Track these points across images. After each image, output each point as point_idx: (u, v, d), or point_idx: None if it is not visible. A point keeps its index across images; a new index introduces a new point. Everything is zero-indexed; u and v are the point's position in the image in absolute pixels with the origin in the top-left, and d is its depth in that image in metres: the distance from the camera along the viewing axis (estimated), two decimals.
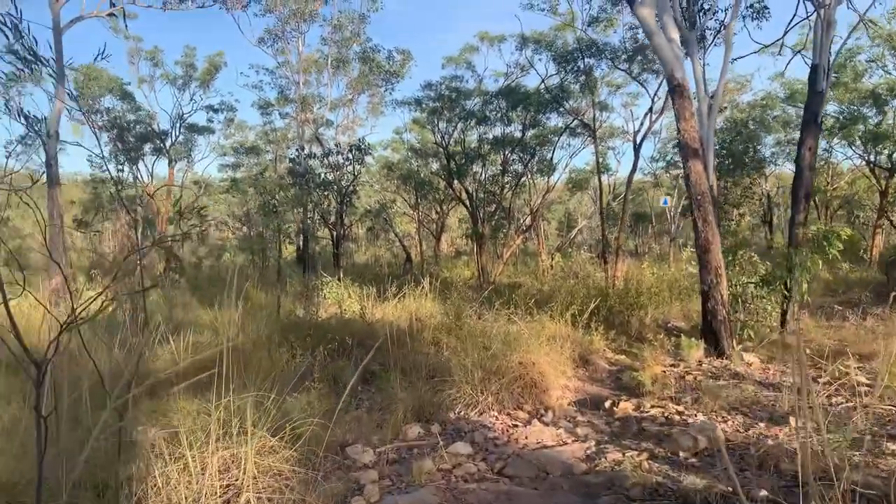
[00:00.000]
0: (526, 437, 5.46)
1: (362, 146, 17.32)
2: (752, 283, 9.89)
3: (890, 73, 20.13)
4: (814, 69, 11.16)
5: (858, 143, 21.99)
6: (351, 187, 17.57)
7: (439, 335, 9.69)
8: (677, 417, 5.98)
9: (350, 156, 17.21)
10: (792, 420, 5.61)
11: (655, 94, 16.65)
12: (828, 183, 26.18)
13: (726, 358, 8.87)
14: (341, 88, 23.26)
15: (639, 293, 12.36)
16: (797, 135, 24.76)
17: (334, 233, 17.79)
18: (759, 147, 19.91)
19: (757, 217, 29.87)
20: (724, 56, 10.02)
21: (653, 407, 6.53)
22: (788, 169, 26.75)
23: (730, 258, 10.39)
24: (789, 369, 8.38)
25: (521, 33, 18.82)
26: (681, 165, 25.02)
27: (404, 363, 7.88)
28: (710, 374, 8.17)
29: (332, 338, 9.39)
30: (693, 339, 9.03)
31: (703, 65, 11.04)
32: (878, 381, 6.75)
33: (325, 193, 17.25)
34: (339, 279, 15.90)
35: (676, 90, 8.94)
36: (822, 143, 26.23)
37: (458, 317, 10.35)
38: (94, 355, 6.51)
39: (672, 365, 8.91)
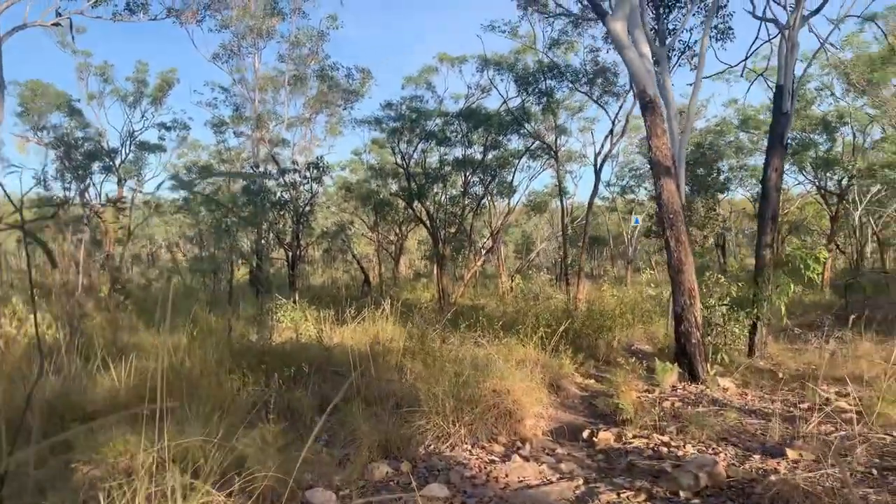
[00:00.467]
0: (506, 475, 4.88)
1: (320, 165, 16.68)
2: (724, 305, 9.53)
3: (839, 101, 20.43)
4: (779, 91, 11.01)
5: (809, 168, 22.23)
6: (308, 207, 16.86)
7: (403, 360, 9.11)
8: (665, 450, 5.48)
9: (308, 174, 16.54)
10: (790, 452, 5.15)
11: (616, 117, 16.48)
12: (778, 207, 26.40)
13: (701, 383, 8.47)
14: (298, 107, 22.61)
15: (604, 315, 11.94)
16: (749, 160, 25.13)
17: (290, 254, 17.03)
18: (721, 169, 19.88)
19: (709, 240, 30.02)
20: (696, 72, 9.76)
21: (635, 437, 6.03)
22: (740, 194, 27.00)
23: (697, 280, 10.05)
24: (768, 395, 8.00)
25: (482, 54, 18.53)
26: (635, 190, 24.77)
27: (367, 392, 7.26)
28: (687, 400, 7.74)
29: (288, 364, 8.76)
30: (666, 363, 8.60)
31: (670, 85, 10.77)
32: (864, 407, 6.40)
33: (281, 213, 16.52)
34: (294, 302, 15.16)
35: (648, 106, 8.59)
36: None
37: (422, 341, 9.79)
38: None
39: (646, 390, 8.46)
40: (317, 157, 17.22)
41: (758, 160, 25.56)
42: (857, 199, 23.07)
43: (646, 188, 28.53)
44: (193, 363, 7.50)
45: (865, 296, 15.66)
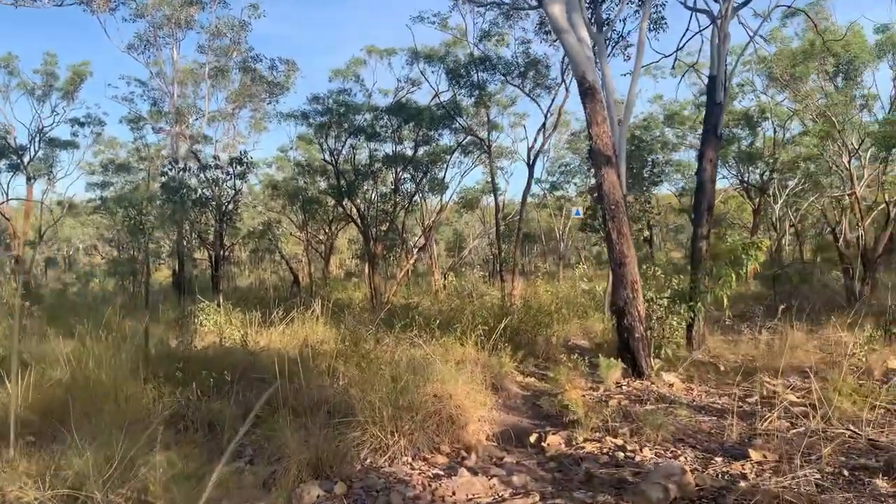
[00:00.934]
0: (454, 494, 4.32)
1: (244, 160, 15.74)
2: (666, 298, 9.24)
3: (759, 97, 20.76)
4: (712, 81, 10.84)
5: (732, 162, 22.54)
6: (231, 205, 15.91)
7: (336, 364, 8.47)
8: (621, 455, 5.04)
9: (230, 170, 15.58)
10: (752, 453, 4.78)
11: (548, 110, 16.17)
12: None
13: (646, 379, 8.14)
14: (221, 102, 21.52)
15: (540, 311, 11.54)
16: (674, 156, 25.39)
17: (213, 254, 16.03)
18: (656, 162, 19.88)
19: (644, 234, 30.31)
20: (636, 58, 9.44)
21: (586, 441, 5.58)
22: (666, 189, 27.25)
23: None
24: (714, 390, 7.72)
25: (412, 47, 17.94)
26: (564, 187, 24.43)
27: (296, 400, 6.58)
28: (634, 397, 7.38)
29: (210, 371, 8.02)
30: (610, 359, 8.22)
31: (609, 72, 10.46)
32: (815, 400, 6.13)
33: (203, 211, 15.51)
34: (218, 304, 14.24)
35: (588, 92, 8.20)
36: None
37: (355, 343, 9.16)
38: None
39: (590, 388, 8.06)
40: (240, 152, 16.27)
41: (682, 156, 25.93)
42: (776, 192, 23.55)
43: (575, 184, 28.56)
44: (104, 373, 6.70)
45: (792, 286, 15.85)
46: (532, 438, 5.90)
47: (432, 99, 18.22)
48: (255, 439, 5.99)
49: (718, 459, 4.83)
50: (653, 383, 7.97)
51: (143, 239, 13.30)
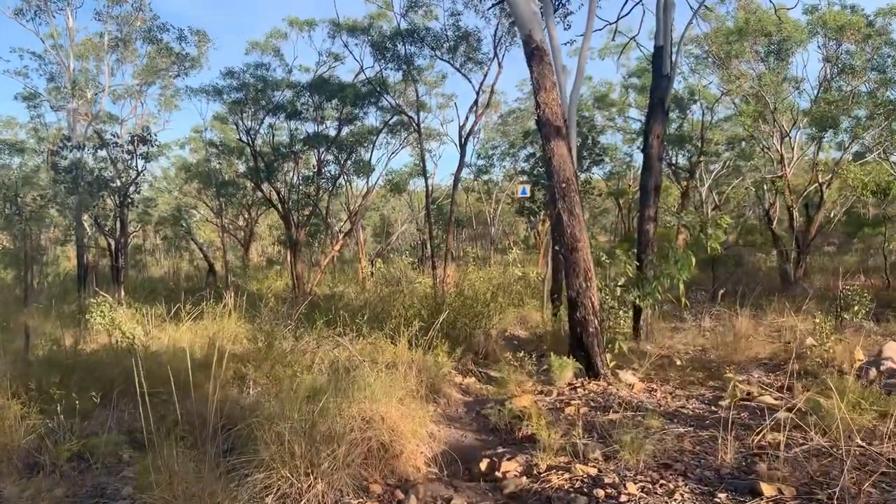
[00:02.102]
0: None
1: (148, 138, 13.88)
2: (618, 285, 8.22)
3: (687, 79, 20.18)
4: (657, 52, 9.91)
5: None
6: (133, 187, 14.04)
7: (245, 368, 7.12)
8: (602, 494, 3.89)
9: (132, 149, 13.71)
10: (765, 487, 3.72)
11: (480, 87, 14.97)
12: (629, 186, 26.33)
13: (602, 379, 7.08)
14: (127, 77, 19.34)
15: (478, 301, 10.33)
16: (602, 139, 24.68)
17: (111, 241, 14.14)
18: (597, 140, 18.97)
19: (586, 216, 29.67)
20: (587, 20, 8.30)
21: (550, 469, 4.42)
22: (595, 173, 26.59)
23: None
24: (680, 391, 6.72)
25: (333, 19, 16.34)
26: (490, 171, 23.09)
27: (188, 423, 5.18)
28: (594, 403, 6.29)
29: (97, 380, 6.62)
30: (563, 357, 7.13)
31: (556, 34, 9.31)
32: (790, 400, 5.17)
33: (101, 194, 13.60)
34: (119, 298, 12.48)
35: (535, 54, 7.03)
36: (624, 148, 26.40)
37: (269, 344, 7.78)
38: None
39: (541, 392, 6.95)
40: (142, 129, 14.36)
41: (608, 139, 25.31)
42: (702, 175, 23.20)
43: (504, 167, 27.59)
44: None
45: (727, 270, 15.31)
46: (483, 465, 4.72)
47: (357, 75, 16.75)
48: (141, 470, 4.59)
49: (723, 496, 3.75)
50: (610, 384, 6.92)
51: (21, 227, 11.34)
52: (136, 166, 13.88)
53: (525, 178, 18.85)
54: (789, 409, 5.25)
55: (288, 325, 8.82)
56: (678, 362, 8.02)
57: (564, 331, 9.70)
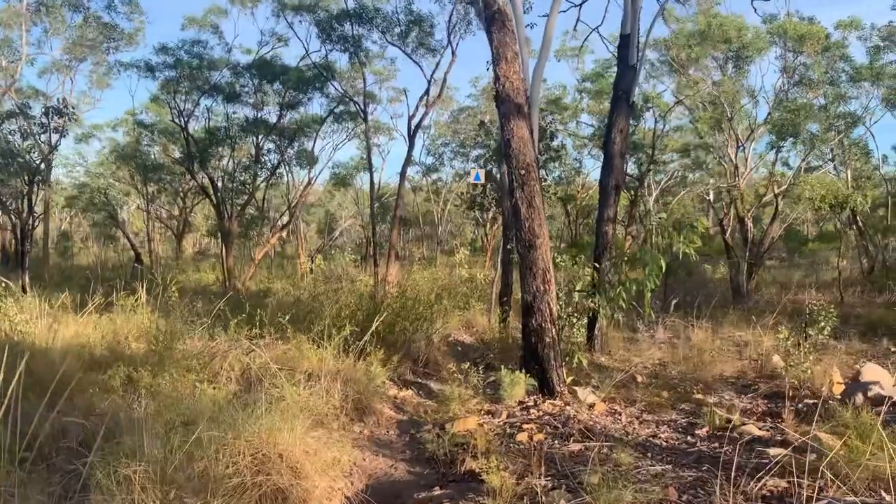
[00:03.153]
0: None
1: (64, 110, 12.24)
2: (578, 291, 7.17)
3: (642, 86, 19.50)
4: (624, 41, 8.97)
5: None
6: (42, 164, 12.37)
7: (140, 372, 5.77)
8: None
9: (44, 122, 12.05)
10: None
11: (432, 77, 13.84)
12: (577, 192, 25.63)
13: (558, 397, 5.98)
14: (55, 50, 17.54)
15: (420, 303, 9.15)
16: (554, 143, 23.86)
17: (16, 222, 12.43)
18: (555, 135, 18.02)
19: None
20: None
21: None
22: (543, 176, 25.82)
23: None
24: (648, 416, 5.66)
25: None
26: (440, 169, 21.80)
27: (53, 442, 3.88)
28: (551, 428, 5.18)
29: None
30: (515, 371, 6.01)
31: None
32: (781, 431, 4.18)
33: (9, 169, 11.91)
34: (23, 284, 10.88)
35: (496, 18, 5.94)
36: (574, 154, 25.64)
37: (170, 343, 6.43)
38: None
39: (488, 411, 5.82)
40: (58, 100, 12.73)
41: (557, 143, 24.48)
42: (651, 184, 22.63)
43: (452, 166, 26.55)
44: None
45: (676, 279, 14.53)
46: None
47: (302, 59, 15.41)
48: None
49: None
50: (567, 404, 5.84)
51: None
52: (51, 141, 12.22)
53: (475, 165, 17.77)
54: (782, 445, 4.28)
55: (204, 324, 7.52)
56: (640, 379, 7.01)
57: (513, 338, 8.66)
